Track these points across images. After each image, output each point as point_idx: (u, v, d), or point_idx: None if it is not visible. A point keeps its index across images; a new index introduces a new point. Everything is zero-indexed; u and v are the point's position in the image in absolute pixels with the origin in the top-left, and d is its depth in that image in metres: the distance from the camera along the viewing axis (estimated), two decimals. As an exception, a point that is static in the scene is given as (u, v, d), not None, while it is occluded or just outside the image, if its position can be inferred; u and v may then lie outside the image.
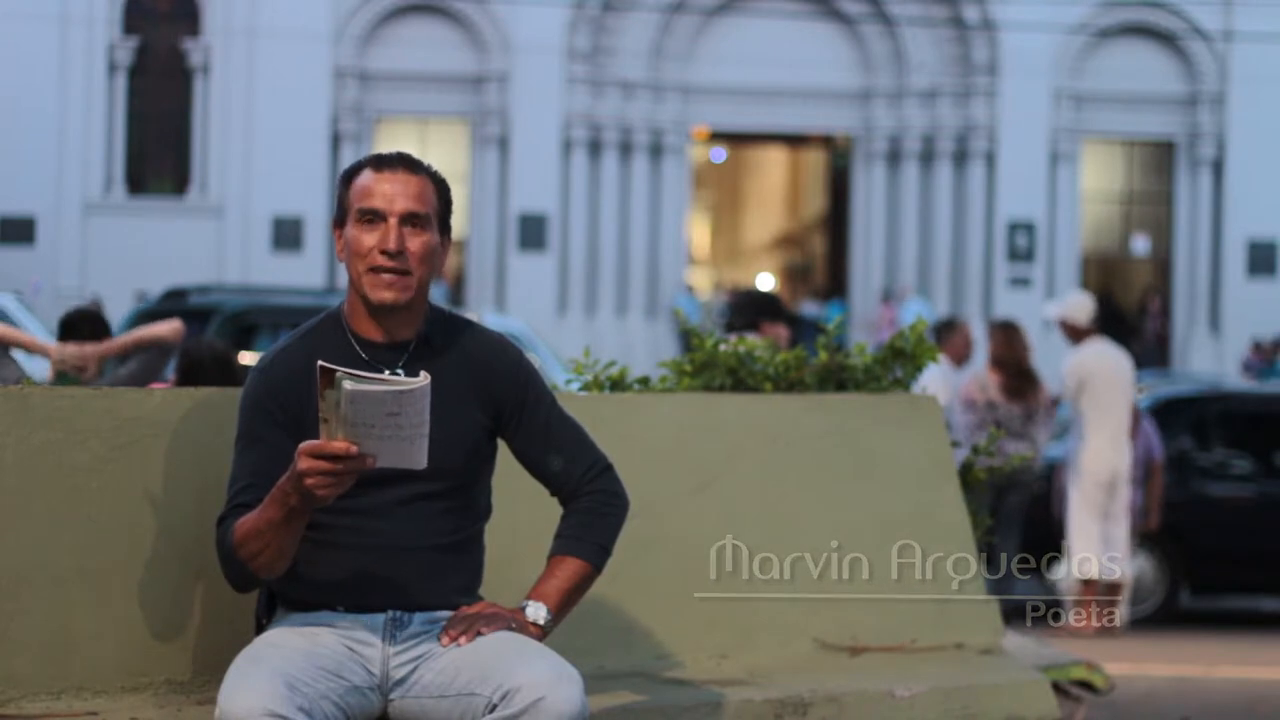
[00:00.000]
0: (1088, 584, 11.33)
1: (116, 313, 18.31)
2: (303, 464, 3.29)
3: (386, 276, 3.57)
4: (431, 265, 3.63)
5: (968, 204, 31.54)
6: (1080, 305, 11.49)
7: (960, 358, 11.87)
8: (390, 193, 3.59)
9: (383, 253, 3.57)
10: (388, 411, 3.25)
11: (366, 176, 3.62)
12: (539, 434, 3.71)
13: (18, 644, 3.77)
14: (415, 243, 3.60)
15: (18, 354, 7.65)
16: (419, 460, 3.34)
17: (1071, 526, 11.37)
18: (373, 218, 3.59)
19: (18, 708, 3.74)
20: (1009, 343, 11.34)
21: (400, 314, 3.62)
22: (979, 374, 11.57)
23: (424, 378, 3.29)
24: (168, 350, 7.35)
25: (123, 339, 7.57)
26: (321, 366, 3.26)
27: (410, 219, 3.59)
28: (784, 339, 8.03)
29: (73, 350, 7.21)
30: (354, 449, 3.27)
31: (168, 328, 7.47)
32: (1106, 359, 11.32)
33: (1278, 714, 8.66)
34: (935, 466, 4.98)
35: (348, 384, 3.22)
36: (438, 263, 3.65)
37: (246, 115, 30.05)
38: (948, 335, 11.71)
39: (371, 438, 3.27)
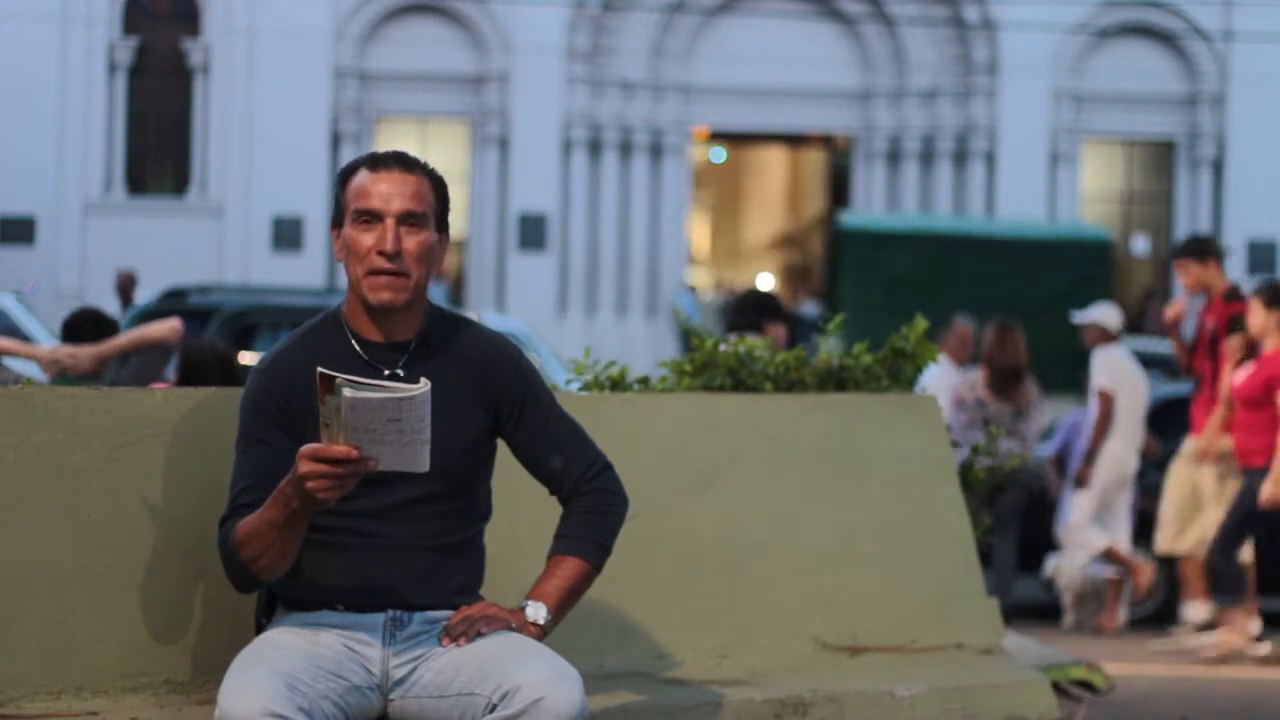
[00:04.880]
0: (1085, 583, 11.38)
1: (115, 314, 18.27)
2: (304, 467, 3.28)
3: (384, 278, 3.57)
4: (429, 264, 3.63)
5: (968, 204, 31.53)
6: (1112, 314, 11.74)
7: (959, 357, 11.92)
8: (387, 192, 3.59)
9: (380, 253, 3.57)
10: (388, 417, 3.25)
11: (363, 177, 3.62)
12: (538, 433, 3.72)
13: (18, 644, 3.77)
14: (412, 242, 3.59)
15: (13, 360, 7.65)
16: (421, 464, 3.33)
17: (1073, 524, 11.41)
18: (370, 218, 3.59)
19: (18, 708, 3.74)
20: (1002, 343, 11.41)
21: (399, 314, 3.62)
22: (969, 374, 11.64)
23: (424, 384, 3.28)
24: (167, 350, 7.35)
25: (120, 340, 7.56)
26: (321, 373, 3.25)
27: (407, 218, 3.59)
28: (782, 338, 8.05)
29: (66, 351, 7.20)
30: (355, 453, 3.26)
31: (166, 328, 7.47)
32: (1132, 364, 11.52)
33: (1277, 714, 8.66)
34: (935, 466, 4.98)
35: (347, 391, 3.21)
36: (436, 261, 3.65)
37: (246, 115, 30.05)
38: (943, 335, 11.78)
39: (373, 442, 3.26)
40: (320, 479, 3.28)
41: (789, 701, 4.18)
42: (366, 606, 3.59)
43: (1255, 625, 10.32)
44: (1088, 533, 11.35)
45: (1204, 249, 10.54)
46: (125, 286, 19.36)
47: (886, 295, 18.27)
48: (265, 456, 3.54)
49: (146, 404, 3.94)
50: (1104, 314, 11.77)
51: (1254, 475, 9.79)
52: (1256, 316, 9.92)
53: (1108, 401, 11.32)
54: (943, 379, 11.01)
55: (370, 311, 3.62)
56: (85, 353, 7.22)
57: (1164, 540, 10.52)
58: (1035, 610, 11.79)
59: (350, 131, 30.58)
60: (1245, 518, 9.81)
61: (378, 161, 3.63)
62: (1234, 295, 10.42)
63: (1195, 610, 10.46)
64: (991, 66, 31.36)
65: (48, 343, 10.26)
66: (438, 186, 3.68)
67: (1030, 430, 11.31)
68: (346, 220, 3.62)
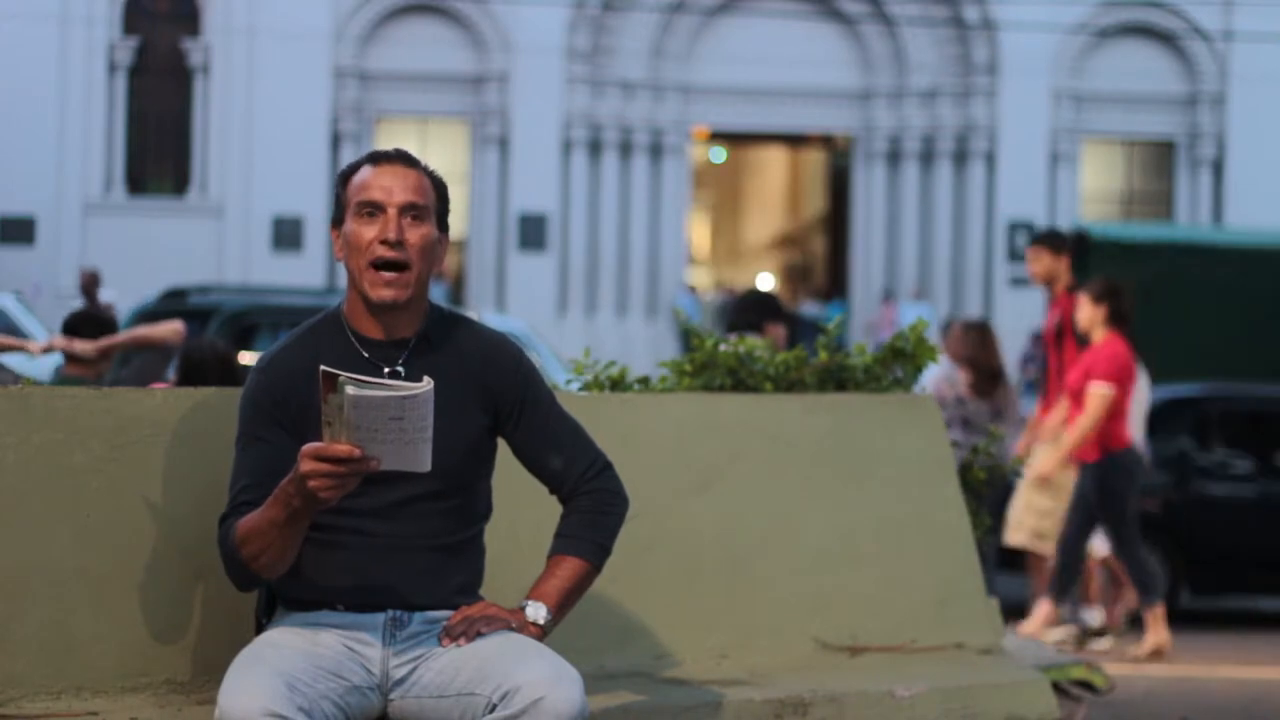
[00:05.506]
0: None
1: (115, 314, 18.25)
2: (306, 466, 3.28)
3: (386, 274, 3.57)
4: (431, 259, 3.62)
5: (968, 204, 31.54)
6: None
7: (959, 357, 11.92)
8: (389, 185, 3.59)
9: (383, 243, 3.56)
10: (391, 416, 3.24)
11: (365, 172, 3.63)
12: (538, 432, 3.71)
13: (18, 644, 3.77)
14: (415, 234, 3.59)
15: (10, 358, 7.64)
16: (423, 463, 3.33)
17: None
18: (372, 210, 3.59)
19: (18, 708, 3.74)
20: (982, 344, 11.44)
21: (400, 312, 3.62)
22: (949, 372, 11.64)
23: (427, 383, 3.28)
24: (169, 352, 7.34)
25: (122, 337, 7.56)
26: (324, 371, 3.25)
27: (409, 209, 3.59)
28: (782, 338, 8.07)
29: (60, 343, 7.19)
30: (357, 452, 3.26)
31: (169, 329, 7.46)
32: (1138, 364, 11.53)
33: (1277, 714, 8.67)
34: (935, 466, 4.98)
35: (350, 389, 3.21)
36: (437, 258, 3.65)
37: (246, 115, 30.06)
38: (944, 334, 11.83)
39: (375, 441, 3.26)
40: (322, 478, 3.28)
41: (789, 701, 4.18)
42: (366, 606, 3.59)
43: (1096, 617, 10.45)
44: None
45: (1061, 242, 10.48)
46: (89, 286, 19.32)
47: (1138, 306, 18.18)
48: (265, 455, 3.54)
49: (146, 404, 3.94)
50: None
51: (1088, 470, 9.86)
52: (1085, 310, 9.89)
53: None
54: (939, 376, 11.05)
55: (371, 309, 3.62)
56: (80, 346, 7.20)
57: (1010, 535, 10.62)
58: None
59: (350, 131, 30.59)
60: (1114, 512, 9.85)
61: (379, 157, 3.65)
62: (1077, 290, 10.39)
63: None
64: (991, 66, 31.36)
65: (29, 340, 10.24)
66: (438, 186, 3.69)
67: (1008, 430, 11.34)
68: (348, 215, 3.62)
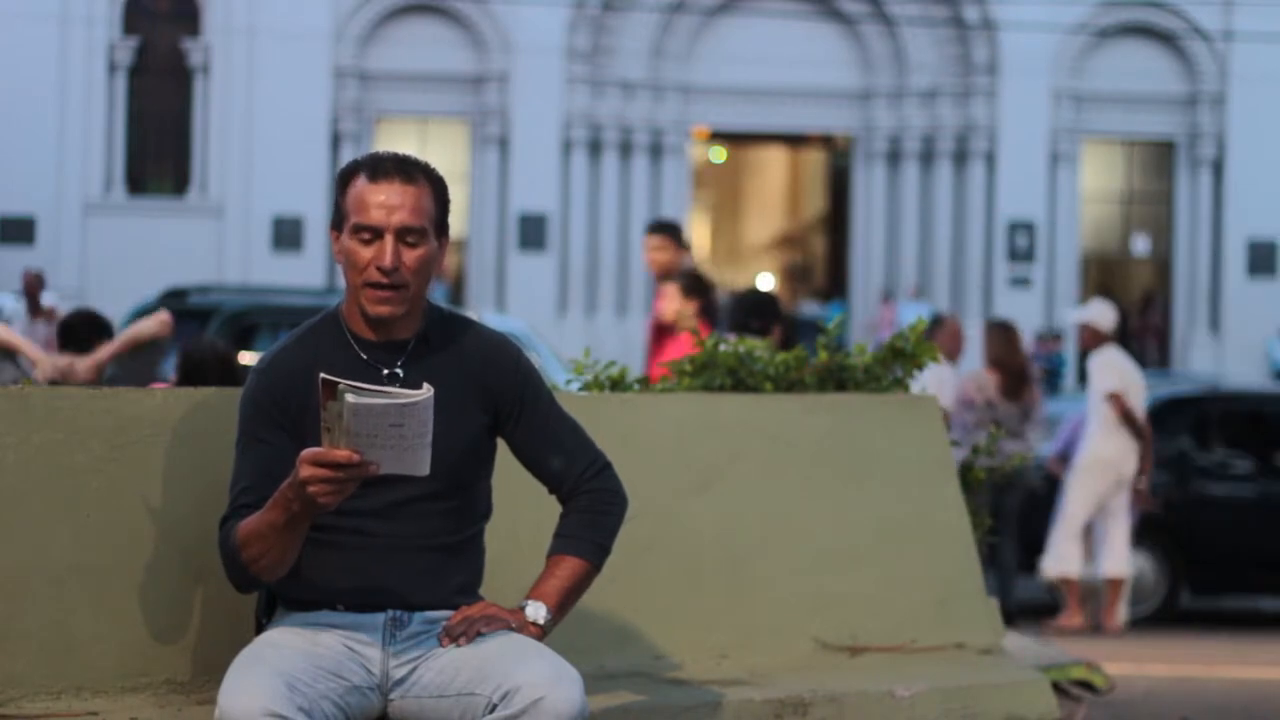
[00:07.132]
0: (1070, 582, 11.41)
1: (115, 314, 18.25)
2: (305, 472, 3.28)
3: (382, 292, 3.57)
4: (428, 275, 3.63)
5: (968, 204, 31.52)
6: (1106, 313, 11.70)
7: (950, 353, 11.91)
8: (387, 206, 3.57)
9: (379, 269, 3.56)
10: (391, 423, 3.24)
11: (362, 186, 3.59)
12: (538, 432, 3.72)
13: (18, 644, 3.77)
14: (411, 257, 3.59)
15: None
16: (422, 467, 3.33)
17: (1064, 524, 11.43)
18: (369, 235, 3.58)
19: (18, 708, 3.74)
20: (1007, 344, 11.41)
21: (397, 319, 3.62)
22: (977, 374, 11.61)
23: (427, 390, 3.28)
24: (161, 344, 7.32)
25: (114, 345, 7.55)
26: (323, 379, 3.25)
27: (406, 234, 3.58)
28: (777, 338, 8.08)
29: (64, 365, 7.20)
30: (356, 457, 3.26)
31: (156, 322, 7.43)
32: (1131, 365, 11.53)
33: (1277, 714, 8.67)
34: (935, 466, 4.98)
35: (350, 397, 3.21)
36: (434, 268, 3.65)
37: (246, 115, 30.04)
38: (934, 331, 11.77)
39: (374, 447, 3.26)
40: (321, 483, 3.28)
41: (789, 701, 4.18)
42: (366, 606, 3.59)
43: None
44: (1069, 544, 11.35)
45: (681, 235, 10.10)
46: (31, 288, 19.26)
47: None
48: (265, 456, 3.54)
49: (146, 404, 3.94)
50: (1096, 314, 11.72)
51: None
52: (674, 303, 9.46)
53: (1120, 403, 11.30)
54: (938, 375, 11.02)
55: (368, 320, 3.63)
56: (83, 367, 7.21)
57: None
58: (1035, 610, 11.80)
59: (350, 131, 30.58)
60: None
61: (377, 171, 3.60)
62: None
63: None
64: (991, 66, 31.35)
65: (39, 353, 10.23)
66: (438, 190, 3.66)
67: (1034, 432, 11.33)
68: (345, 229, 3.61)
